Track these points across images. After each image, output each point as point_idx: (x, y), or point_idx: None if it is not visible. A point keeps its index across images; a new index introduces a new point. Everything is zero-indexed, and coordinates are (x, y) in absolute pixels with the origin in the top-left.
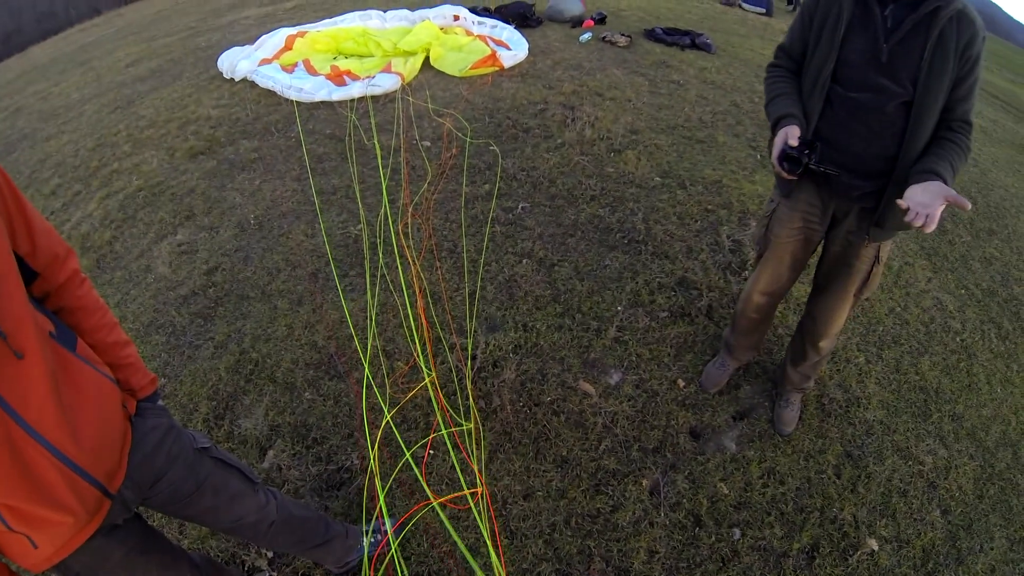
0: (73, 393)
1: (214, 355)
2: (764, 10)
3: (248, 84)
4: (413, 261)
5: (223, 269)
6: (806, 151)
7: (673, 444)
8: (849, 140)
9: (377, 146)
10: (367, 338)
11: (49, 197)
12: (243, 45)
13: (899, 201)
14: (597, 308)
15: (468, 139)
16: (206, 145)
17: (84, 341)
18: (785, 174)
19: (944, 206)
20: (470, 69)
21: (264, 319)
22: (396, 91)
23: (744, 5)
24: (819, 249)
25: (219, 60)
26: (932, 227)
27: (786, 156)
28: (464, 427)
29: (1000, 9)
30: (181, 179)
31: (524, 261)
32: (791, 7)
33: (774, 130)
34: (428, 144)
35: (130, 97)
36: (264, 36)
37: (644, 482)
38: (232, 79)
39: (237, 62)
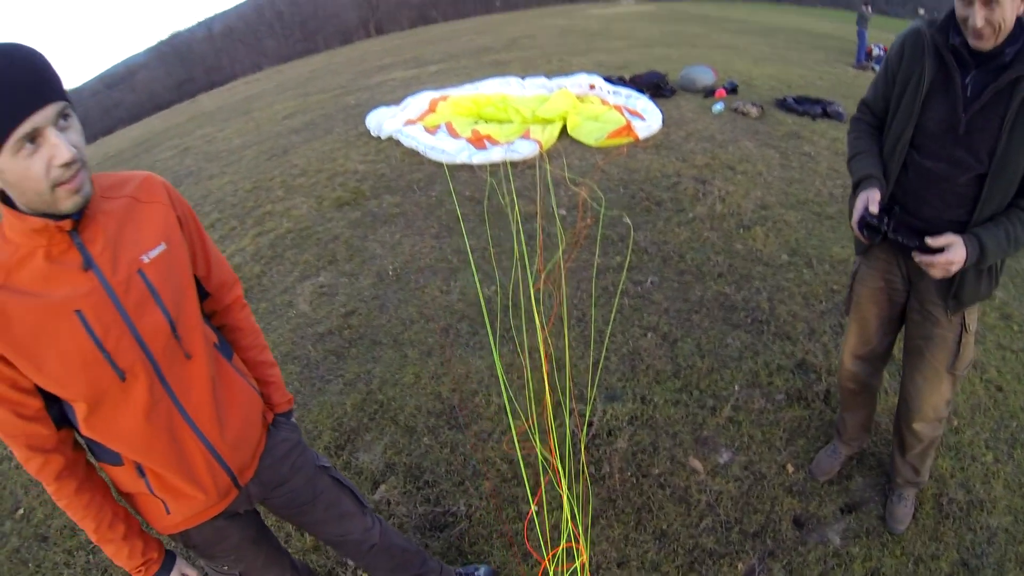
0: (226, 395)
1: (343, 391)
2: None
3: (393, 142)
4: (541, 326)
5: (359, 313)
6: (885, 219)
7: (775, 530)
8: (921, 207)
9: (516, 212)
10: (505, 393)
11: (208, 229)
12: (390, 105)
13: (929, 240)
14: (715, 386)
15: (602, 210)
16: (352, 197)
17: (239, 356)
18: (864, 239)
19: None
20: (606, 139)
21: (393, 365)
22: (534, 158)
23: (876, 67)
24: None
25: (367, 118)
26: (939, 276)
27: (865, 223)
28: (568, 492)
29: None
30: (327, 226)
31: (649, 335)
32: None
33: (855, 189)
34: (564, 213)
35: (285, 147)
36: (409, 98)
37: (740, 565)
38: (379, 137)
39: (384, 121)
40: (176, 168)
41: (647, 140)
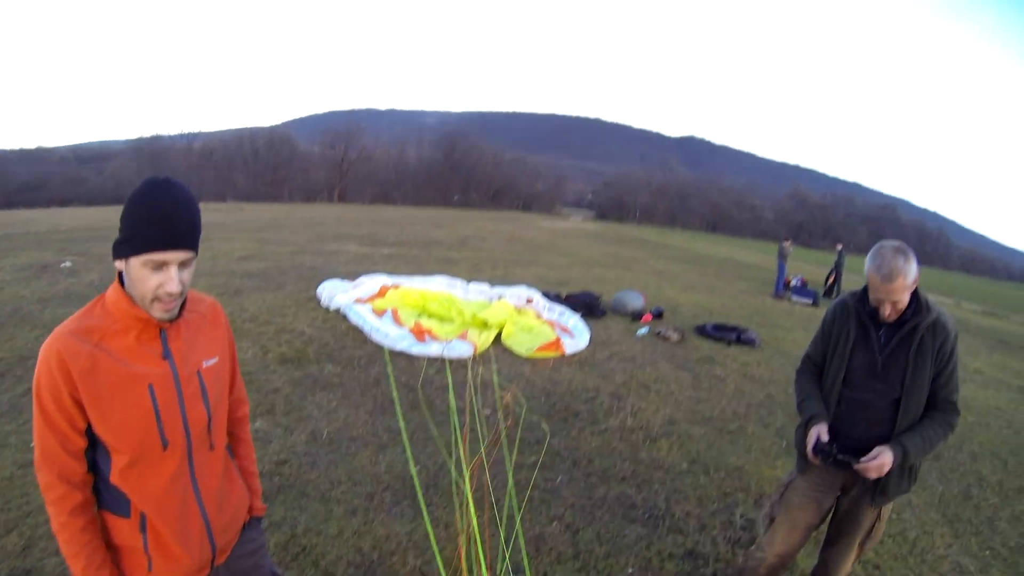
0: (227, 486)
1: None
2: (811, 301)
3: (340, 315)
4: (459, 507)
5: (291, 464)
6: (833, 445)
7: None
8: (853, 429)
9: (452, 405)
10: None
11: None
12: (343, 279)
13: (863, 460)
14: (611, 568)
15: (524, 414)
16: (296, 356)
17: (234, 462)
18: (817, 462)
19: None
20: (536, 351)
21: (319, 516)
22: (468, 358)
23: (793, 298)
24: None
25: (320, 287)
26: (875, 476)
27: (819, 449)
28: None
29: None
30: (270, 376)
31: (554, 523)
32: (830, 296)
33: (807, 425)
34: (488, 412)
35: (238, 288)
36: (363, 277)
37: None
38: (327, 307)
39: (335, 294)
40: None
41: (573, 356)
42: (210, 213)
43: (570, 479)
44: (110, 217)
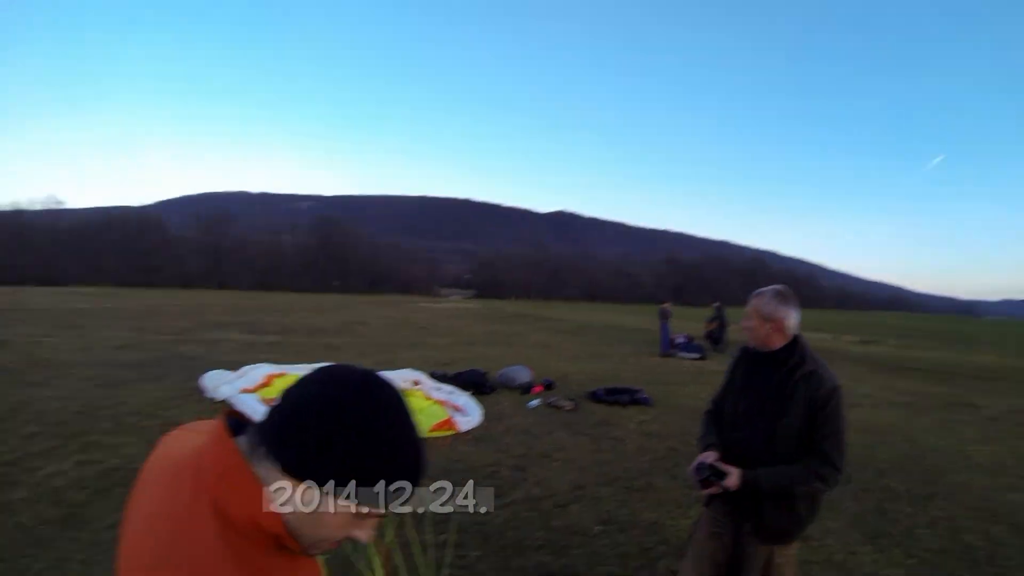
0: None
1: None
2: (699, 355)
3: (227, 405)
4: None
5: None
6: (708, 465)
7: None
8: (735, 463)
9: None
10: None
11: (24, 440)
12: (227, 370)
13: (720, 465)
14: None
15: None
16: None
17: None
18: (696, 482)
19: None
20: (429, 431)
21: None
22: None
23: (680, 354)
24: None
25: (204, 378)
26: (720, 491)
27: (697, 468)
28: None
29: (904, 289)
30: None
31: None
32: (717, 347)
33: (702, 451)
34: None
35: (117, 380)
36: (247, 367)
37: None
38: (213, 398)
39: (221, 385)
40: None
41: (468, 432)
42: (81, 299)
43: (483, 553)
44: None
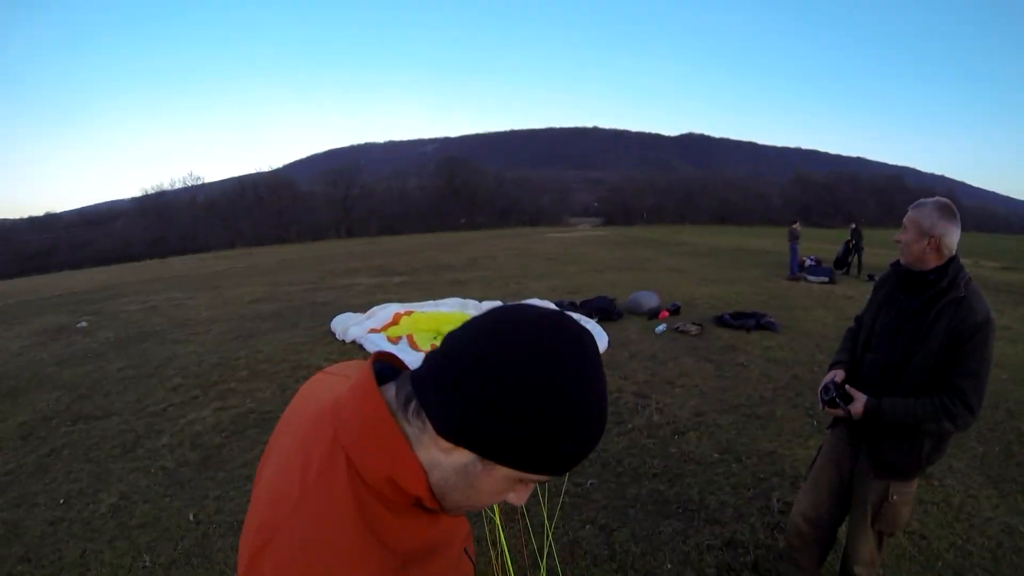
0: None
1: None
2: (827, 278)
3: (357, 346)
4: (497, 522)
5: None
6: (835, 387)
7: None
8: (863, 386)
9: None
10: None
11: (170, 391)
12: (356, 312)
13: (847, 388)
14: (648, 566)
15: None
16: None
17: None
18: (821, 403)
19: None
20: None
21: None
22: None
23: (808, 278)
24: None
25: (333, 322)
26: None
27: (825, 388)
28: None
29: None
30: None
31: (587, 527)
32: (843, 271)
33: (830, 370)
34: None
35: (251, 331)
36: (376, 308)
37: None
38: (343, 340)
39: (350, 327)
40: (142, 324)
41: None
42: (218, 261)
43: (600, 481)
44: (120, 276)
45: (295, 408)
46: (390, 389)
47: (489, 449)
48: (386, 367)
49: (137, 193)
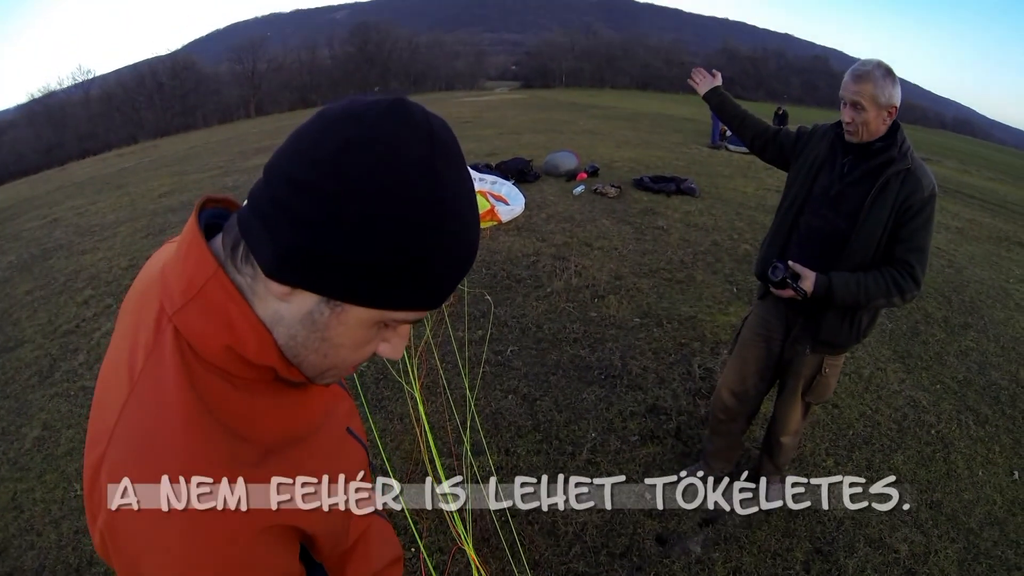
0: None
1: None
2: (748, 149)
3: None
4: (416, 394)
5: None
6: (783, 269)
7: (639, 549)
8: (802, 259)
9: None
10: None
11: (81, 305)
12: None
13: (792, 264)
14: (573, 435)
15: (465, 289)
16: None
17: None
18: (770, 281)
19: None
20: None
21: None
22: None
23: (729, 147)
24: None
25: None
26: (788, 296)
27: (774, 268)
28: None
29: (975, 112)
30: None
31: (509, 396)
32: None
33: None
34: None
35: (162, 226)
36: None
37: None
38: None
39: None
40: (44, 240)
41: (510, 223)
42: (121, 159)
43: (520, 348)
44: (16, 193)
45: (133, 287)
46: (219, 238)
47: (327, 282)
48: (219, 213)
49: (23, 99)
